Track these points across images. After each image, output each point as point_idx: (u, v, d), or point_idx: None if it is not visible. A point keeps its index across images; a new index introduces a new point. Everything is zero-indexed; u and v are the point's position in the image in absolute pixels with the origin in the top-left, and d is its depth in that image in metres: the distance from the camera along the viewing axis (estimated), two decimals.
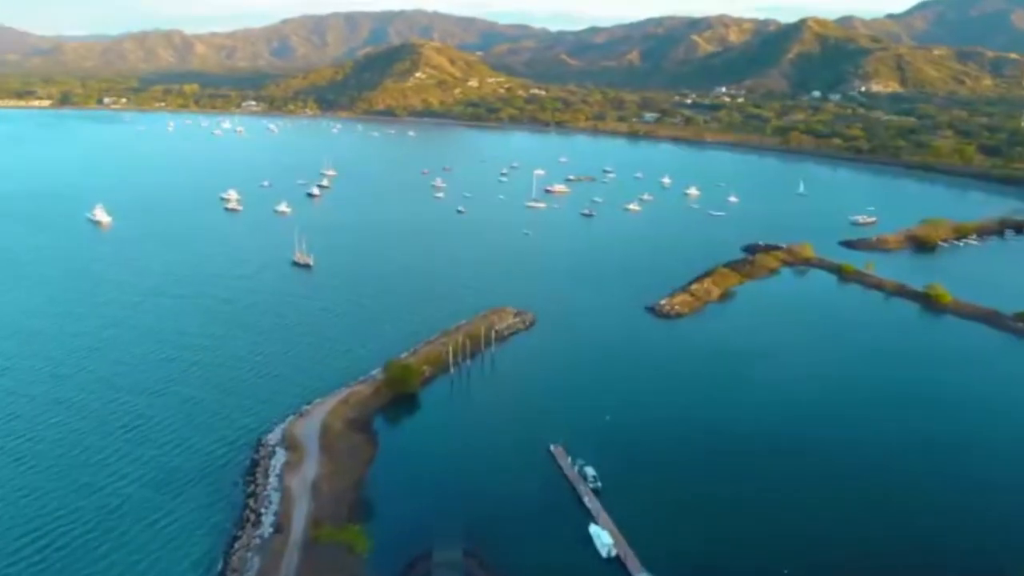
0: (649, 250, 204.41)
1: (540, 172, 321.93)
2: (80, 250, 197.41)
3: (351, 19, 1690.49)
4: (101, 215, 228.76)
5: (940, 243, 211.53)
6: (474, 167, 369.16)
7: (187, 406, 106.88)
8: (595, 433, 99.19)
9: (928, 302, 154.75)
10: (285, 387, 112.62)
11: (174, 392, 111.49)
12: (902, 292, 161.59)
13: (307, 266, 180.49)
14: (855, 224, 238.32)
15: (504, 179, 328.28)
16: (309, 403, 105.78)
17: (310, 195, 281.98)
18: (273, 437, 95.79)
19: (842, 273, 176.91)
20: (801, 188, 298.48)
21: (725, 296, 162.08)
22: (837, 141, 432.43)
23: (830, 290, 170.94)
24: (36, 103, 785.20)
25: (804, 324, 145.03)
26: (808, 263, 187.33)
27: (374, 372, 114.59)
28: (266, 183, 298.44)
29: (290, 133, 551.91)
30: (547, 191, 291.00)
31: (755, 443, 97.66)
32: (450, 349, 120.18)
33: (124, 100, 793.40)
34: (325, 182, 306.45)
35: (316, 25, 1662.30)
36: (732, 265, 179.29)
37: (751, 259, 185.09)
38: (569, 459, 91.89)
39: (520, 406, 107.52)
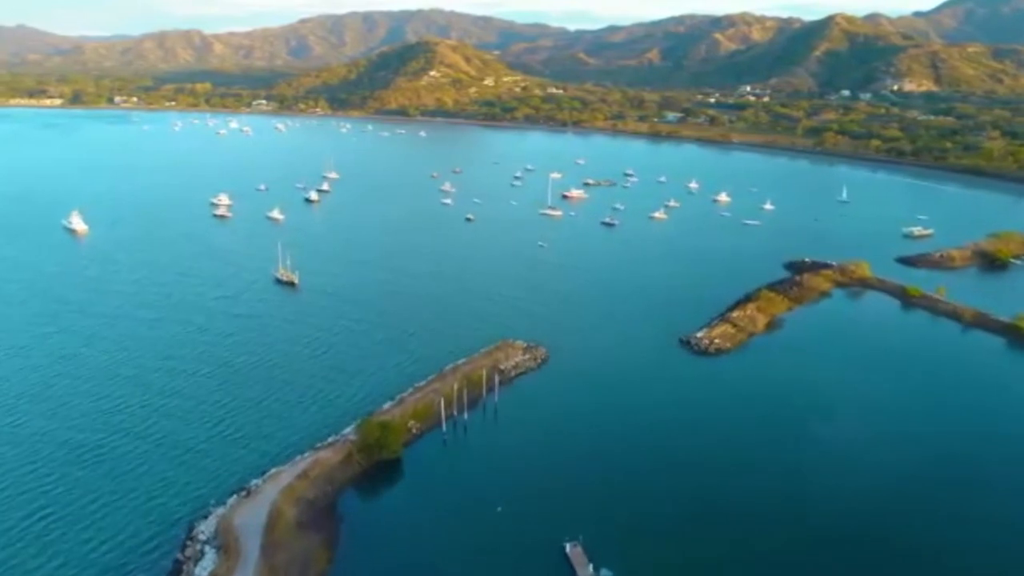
0: (679, 266, 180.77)
1: (556, 175, 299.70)
2: (47, 263, 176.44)
3: (369, 18, 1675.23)
4: (77, 223, 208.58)
5: (1012, 260, 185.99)
6: (486, 169, 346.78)
7: (121, 476, 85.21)
8: (621, 521, 76.69)
9: (1018, 336, 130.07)
10: (237, 451, 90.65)
11: (110, 455, 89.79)
12: (983, 322, 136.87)
13: (291, 284, 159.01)
14: (908, 237, 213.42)
15: (517, 183, 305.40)
16: (263, 473, 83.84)
17: (308, 200, 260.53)
18: (206, 528, 73.82)
19: (907, 297, 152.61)
20: (844, 195, 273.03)
21: (772, 325, 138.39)
22: (876, 143, 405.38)
23: (894, 318, 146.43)
24: (47, 102, 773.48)
25: (869, 364, 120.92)
26: (864, 284, 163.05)
27: (347, 431, 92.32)
28: (262, 187, 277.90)
29: (298, 133, 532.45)
30: (564, 197, 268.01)
31: (830, 541, 74.63)
32: (442, 398, 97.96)
33: (134, 99, 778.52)
34: (325, 186, 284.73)
35: (334, 24, 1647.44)
36: (777, 287, 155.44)
37: (798, 279, 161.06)
38: (590, 567, 69.40)
39: (526, 480, 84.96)
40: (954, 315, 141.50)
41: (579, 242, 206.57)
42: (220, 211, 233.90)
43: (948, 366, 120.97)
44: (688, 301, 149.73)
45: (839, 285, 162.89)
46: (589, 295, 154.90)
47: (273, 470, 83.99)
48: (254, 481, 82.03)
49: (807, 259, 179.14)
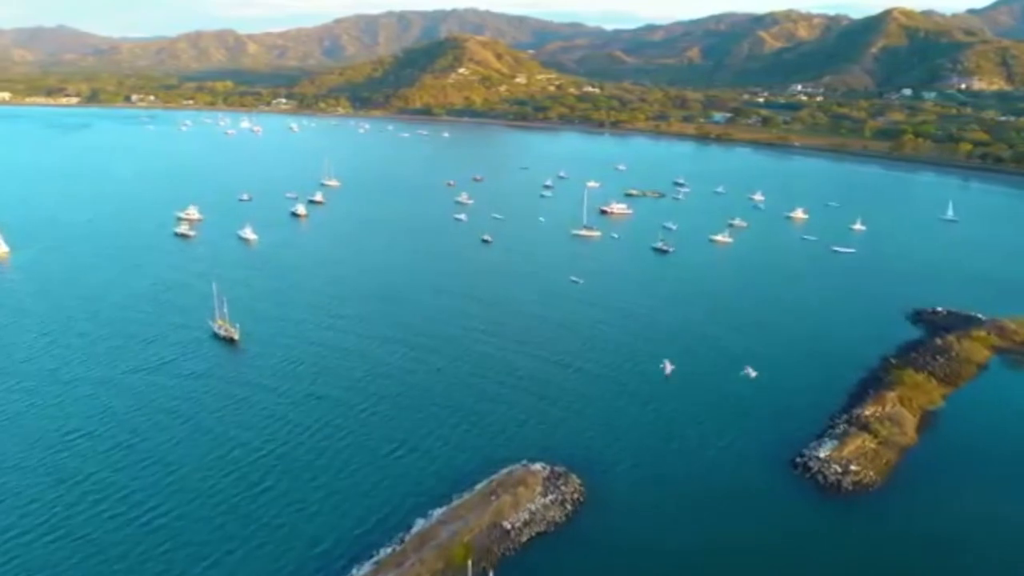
0: (763, 317, 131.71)
1: (593, 184, 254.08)
2: None
3: (403, 18, 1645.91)
4: None
5: None
6: (512, 177, 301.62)
7: None
8: None
9: None
10: None
11: None
12: None
13: (231, 341, 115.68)
14: None
15: (547, 193, 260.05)
16: None
17: (294, 215, 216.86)
18: None
19: None
20: (949, 212, 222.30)
21: (924, 426, 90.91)
22: (966, 146, 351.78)
23: None
24: (64, 100, 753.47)
25: None
26: None
27: None
28: (245, 196, 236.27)
29: (312, 133, 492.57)
30: (603, 212, 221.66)
31: None
32: None
33: (152, 98, 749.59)
34: (319, 196, 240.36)
35: (368, 24, 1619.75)
36: (915, 359, 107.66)
37: (941, 344, 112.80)
38: None
39: None
40: None
41: (624, 277, 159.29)
42: (182, 228, 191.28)
43: None
44: (789, 379, 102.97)
45: (998, 351, 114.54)
46: (641, 370, 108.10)
47: None
48: None
49: (940, 309, 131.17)
